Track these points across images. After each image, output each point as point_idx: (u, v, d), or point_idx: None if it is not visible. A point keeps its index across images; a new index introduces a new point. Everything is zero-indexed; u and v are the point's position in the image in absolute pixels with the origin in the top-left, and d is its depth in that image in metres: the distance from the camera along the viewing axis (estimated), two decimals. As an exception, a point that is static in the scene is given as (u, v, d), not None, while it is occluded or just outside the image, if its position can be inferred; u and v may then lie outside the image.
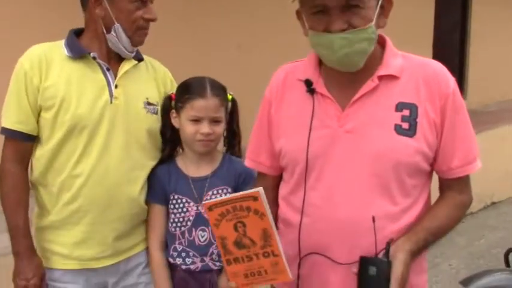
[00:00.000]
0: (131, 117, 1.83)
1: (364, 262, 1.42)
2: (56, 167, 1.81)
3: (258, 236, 1.44)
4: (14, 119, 1.78)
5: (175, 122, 1.90)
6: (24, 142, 1.81)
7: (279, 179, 1.68)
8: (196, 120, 1.84)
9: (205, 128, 1.83)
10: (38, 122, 1.79)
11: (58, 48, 1.82)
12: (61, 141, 1.78)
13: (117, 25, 1.78)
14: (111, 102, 1.80)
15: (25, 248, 1.82)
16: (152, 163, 1.91)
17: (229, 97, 1.93)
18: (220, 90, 1.88)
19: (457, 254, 4.45)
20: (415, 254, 1.45)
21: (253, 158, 1.71)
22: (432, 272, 3.98)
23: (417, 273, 1.56)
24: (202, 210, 1.87)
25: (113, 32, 1.79)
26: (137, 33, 1.80)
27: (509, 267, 2.95)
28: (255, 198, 1.41)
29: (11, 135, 1.80)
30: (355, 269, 1.43)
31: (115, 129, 1.80)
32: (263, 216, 1.42)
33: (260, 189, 1.42)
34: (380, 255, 1.42)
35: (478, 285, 2.66)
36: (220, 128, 1.88)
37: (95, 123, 1.78)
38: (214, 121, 1.85)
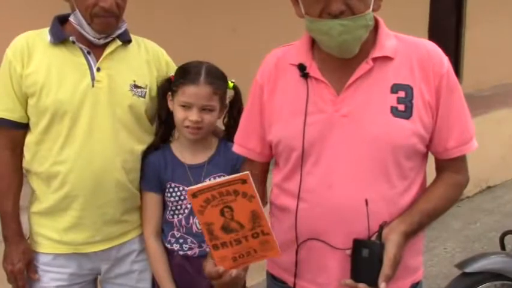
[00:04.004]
0: (115, 101, 1.80)
1: (358, 244, 1.42)
2: (41, 154, 1.81)
3: (246, 219, 1.41)
4: (1, 107, 1.80)
5: (170, 104, 1.88)
6: (14, 130, 1.82)
7: (266, 165, 1.69)
8: (187, 106, 1.81)
9: (193, 115, 1.80)
10: (26, 109, 1.80)
11: (42, 36, 1.80)
12: (45, 128, 1.78)
13: (76, 11, 1.76)
14: (93, 86, 1.77)
15: (13, 233, 1.85)
16: (141, 147, 1.88)
17: (231, 85, 1.90)
18: (216, 78, 1.84)
19: (453, 238, 4.46)
20: (409, 235, 1.45)
21: (242, 143, 1.68)
22: (427, 255, 3.99)
23: (413, 254, 1.56)
24: None
25: (72, 18, 1.77)
26: (94, 21, 1.74)
27: (504, 250, 2.96)
28: (243, 181, 1.38)
29: (0, 123, 1.81)
30: (349, 251, 1.43)
31: (99, 113, 1.78)
32: (252, 198, 1.39)
33: (248, 172, 1.40)
34: (373, 238, 1.42)
35: (473, 268, 2.68)
36: (212, 117, 1.84)
37: (77, 108, 1.76)
38: (205, 109, 1.81)
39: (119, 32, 1.81)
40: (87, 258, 1.89)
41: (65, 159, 1.78)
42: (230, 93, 1.94)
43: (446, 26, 7.45)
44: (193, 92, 1.79)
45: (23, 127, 1.82)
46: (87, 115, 1.77)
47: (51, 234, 1.86)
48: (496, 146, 5.48)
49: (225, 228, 1.41)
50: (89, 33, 1.77)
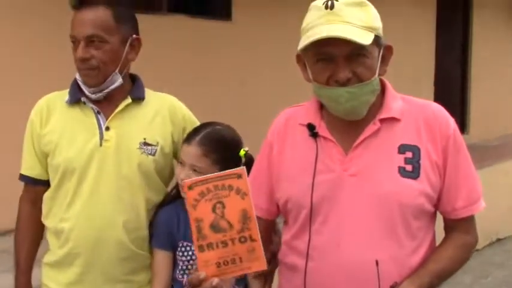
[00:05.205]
0: (123, 159, 1.82)
1: None
2: (54, 210, 1.87)
3: (236, 219, 1.38)
4: (24, 164, 1.92)
5: None
6: (34, 186, 1.91)
7: (271, 223, 1.69)
8: (182, 164, 1.83)
9: (182, 173, 1.82)
10: (46, 167, 1.88)
11: (62, 96, 1.87)
12: (57, 184, 1.84)
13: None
14: (100, 145, 1.81)
15: (21, 285, 1.91)
16: (147, 206, 1.88)
17: (242, 153, 1.88)
18: (212, 141, 1.82)
19: (464, 293, 4.38)
20: None
21: None
22: (439, 311, 3.90)
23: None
24: None
25: (77, 76, 1.84)
26: (80, 73, 1.81)
27: (516, 307, 2.89)
28: (239, 175, 1.38)
29: (23, 179, 1.94)
30: None
31: (104, 172, 1.81)
32: (245, 195, 1.38)
33: (244, 167, 1.41)
34: None
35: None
36: None
37: (84, 166, 1.80)
38: (195, 170, 1.81)
39: (112, 86, 1.81)
40: None
41: (70, 217, 1.82)
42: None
43: (452, 78, 7.55)
44: (186, 150, 1.83)
45: (42, 184, 1.90)
46: (92, 174, 1.80)
47: (55, 287, 1.88)
48: (504, 197, 5.45)
49: (214, 227, 1.39)
50: (85, 89, 1.82)
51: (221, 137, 1.87)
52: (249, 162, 1.87)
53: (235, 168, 1.41)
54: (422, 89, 6.16)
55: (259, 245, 1.39)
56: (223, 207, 1.38)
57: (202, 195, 1.39)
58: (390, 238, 1.46)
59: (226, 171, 1.40)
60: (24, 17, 3.76)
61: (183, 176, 1.80)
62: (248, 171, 1.83)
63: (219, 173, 1.41)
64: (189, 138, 1.84)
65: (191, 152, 1.81)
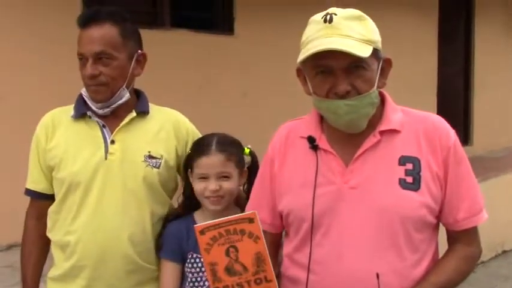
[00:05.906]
0: (128, 172, 1.84)
1: None
2: (59, 224, 1.87)
3: (250, 262, 1.41)
4: (29, 178, 1.94)
5: (191, 180, 1.90)
6: (39, 200, 1.93)
7: (277, 236, 1.69)
8: (204, 178, 1.84)
9: (212, 184, 1.82)
10: (51, 181, 1.90)
11: (68, 111, 1.90)
12: (62, 198, 1.85)
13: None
14: (106, 158, 1.82)
15: None
16: (153, 219, 1.89)
17: (247, 151, 1.92)
18: (227, 145, 1.86)
19: (470, 306, 4.32)
20: None
21: None
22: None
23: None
24: None
25: (83, 92, 1.87)
26: (88, 90, 1.83)
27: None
28: (250, 220, 1.40)
29: (28, 193, 1.95)
30: None
31: (109, 185, 1.82)
32: (257, 239, 1.40)
33: (255, 211, 1.42)
34: None
35: None
36: (230, 184, 1.84)
37: (89, 180, 1.82)
38: (222, 177, 1.83)
39: (120, 101, 1.83)
40: None
41: (75, 230, 1.83)
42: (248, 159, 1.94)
43: (455, 89, 7.55)
44: (206, 162, 1.83)
45: (47, 198, 1.91)
46: (98, 187, 1.81)
47: None
48: (510, 209, 5.40)
49: (229, 270, 1.42)
50: (92, 104, 1.84)
51: (231, 140, 1.91)
52: (254, 159, 1.92)
53: (245, 213, 1.43)
54: (425, 100, 6.17)
55: (274, 284, 1.42)
56: (237, 251, 1.41)
57: (215, 240, 1.42)
58: (391, 250, 1.46)
59: (238, 215, 1.43)
60: (25, 34, 3.80)
61: (214, 187, 1.81)
62: (255, 167, 1.88)
63: (230, 217, 1.43)
64: (203, 150, 1.84)
65: (214, 161, 1.82)
